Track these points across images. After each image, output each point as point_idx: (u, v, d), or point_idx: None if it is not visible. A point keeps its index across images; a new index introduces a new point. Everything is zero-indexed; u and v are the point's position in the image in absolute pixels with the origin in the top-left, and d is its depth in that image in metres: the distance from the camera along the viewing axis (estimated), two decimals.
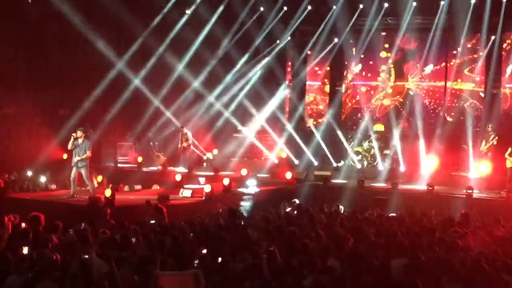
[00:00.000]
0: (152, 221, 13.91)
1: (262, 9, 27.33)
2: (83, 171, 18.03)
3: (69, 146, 18.16)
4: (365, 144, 25.94)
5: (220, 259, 9.80)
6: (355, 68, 28.58)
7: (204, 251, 10.54)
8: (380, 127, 26.60)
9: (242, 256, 10.13)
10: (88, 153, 18.08)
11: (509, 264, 9.70)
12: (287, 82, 29.17)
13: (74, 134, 18.11)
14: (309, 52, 28.87)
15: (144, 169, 25.30)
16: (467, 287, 8.67)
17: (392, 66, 27.65)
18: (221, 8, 26.74)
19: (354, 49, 27.80)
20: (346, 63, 28.72)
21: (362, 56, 27.76)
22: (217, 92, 27.46)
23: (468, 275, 9.10)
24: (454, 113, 26.14)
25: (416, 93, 27.31)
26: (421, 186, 21.67)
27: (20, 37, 23.52)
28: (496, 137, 21.97)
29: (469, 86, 26.14)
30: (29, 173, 22.34)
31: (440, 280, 9.04)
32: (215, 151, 27.26)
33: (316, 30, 27.34)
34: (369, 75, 28.57)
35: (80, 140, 17.99)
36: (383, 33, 27.06)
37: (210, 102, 27.37)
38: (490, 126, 22.52)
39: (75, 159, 17.97)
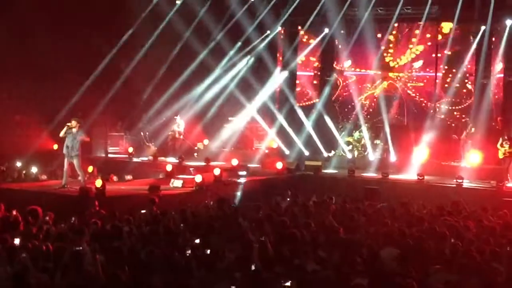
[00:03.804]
0: (143, 211, 13.97)
1: None
2: (75, 161, 18.00)
3: (61, 134, 18.10)
4: (356, 134, 25.90)
5: (211, 249, 9.84)
6: (345, 63, 28.70)
7: (197, 241, 10.59)
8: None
9: (233, 246, 10.17)
10: (85, 138, 18.09)
11: (498, 252, 9.79)
12: (278, 71, 29.10)
13: (69, 124, 18.08)
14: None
15: (135, 159, 25.27)
16: (457, 275, 8.74)
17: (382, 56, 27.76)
18: None
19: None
20: (336, 53, 28.77)
21: (353, 46, 27.76)
22: (207, 82, 27.38)
23: (459, 264, 9.17)
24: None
25: (404, 84, 27.52)
26: (411, 176, 21.73)
27: (10, 28, 23.38)
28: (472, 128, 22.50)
29: None
30: (20, 164, 22.27)
31: (431, 268, 9.11)
32: (206, 141, 27.24)
33: (307, 20, 27.28)
34: (359, 69, 28.77)
35: (74, 130, 17.97)
36: (374, 24, 27.06)
37: (201, 92, 27.29)
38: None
39: (66, 150, 17.93)
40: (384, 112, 26.03)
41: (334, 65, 28.75)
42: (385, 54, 27.96)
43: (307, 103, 29.22)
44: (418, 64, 27.59)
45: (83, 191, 16.65)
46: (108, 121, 27.06)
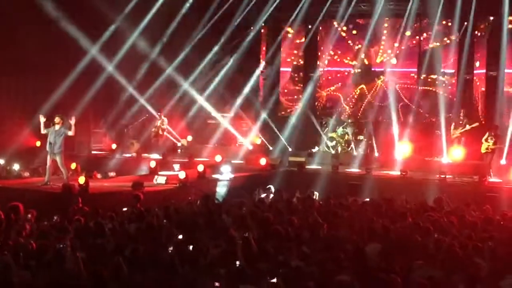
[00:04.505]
0: (124, 209, 13.93)
1: None
2: (58, 158, 17.86)
3: (42, 130, 17.95)
4: (339, 130, 25.89)
5: (195, 246, 9.83)
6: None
7: (180, 236, 10.56)
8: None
9: (217, 243, 10.16)
10: (71, 133, 17.87)
11: (480, 247, 9.86)
12: (261, 68, 29.12)
13: (51, 118, 17.91)
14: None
15: (118, 156, 25.16)
16: (440, 270, 8.79)
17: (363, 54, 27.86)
18: None
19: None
20: (319, 50, 28.82)
21: (336, 43, 27.86)
22: (191, 79, 27.32)
23: (442, 259, 9.22)
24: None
25: (387, 80, 27.59)
26: (395, 171, 21.82)
27: None
28: (475, 124, 22.40)
29: None
30: (2, 161, 22.12)
31: (415, 263, 9.15)
32: (190, 138, 27.18)
33: (290, 17, 27.29)
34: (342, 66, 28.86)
35: (57, 127, 17.82)
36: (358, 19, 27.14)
37: (184, 88, 27.21)
38: (462, 111, 22.98)
39: (49, 146, 17.78)
40: (373, 109, 26.18)
41: (317, 62, 28.77)
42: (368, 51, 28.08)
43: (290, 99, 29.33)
44: (393, 61, 27.63)
45: (66, 188, 16.57)
46: (91, 118, 26.91)
